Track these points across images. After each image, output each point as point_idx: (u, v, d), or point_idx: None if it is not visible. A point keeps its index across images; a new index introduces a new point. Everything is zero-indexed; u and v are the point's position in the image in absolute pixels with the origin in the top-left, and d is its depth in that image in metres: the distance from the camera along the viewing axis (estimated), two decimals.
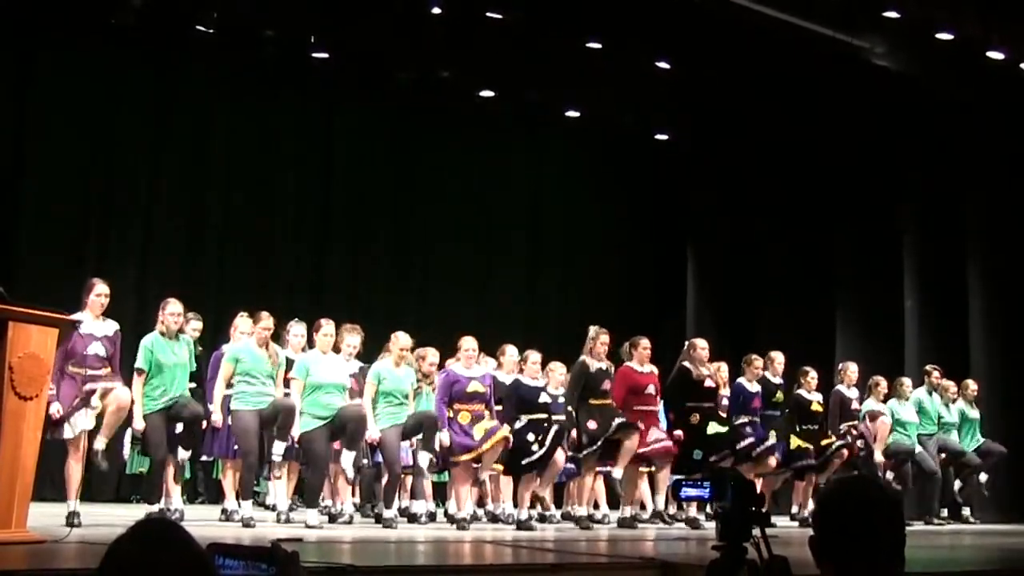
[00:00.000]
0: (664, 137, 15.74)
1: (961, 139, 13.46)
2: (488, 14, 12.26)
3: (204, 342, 9.44)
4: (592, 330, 9.71)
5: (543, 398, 9.50)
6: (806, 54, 12.68)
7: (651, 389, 9.82)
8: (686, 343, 10.61)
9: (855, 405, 11.51)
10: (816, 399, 11.19)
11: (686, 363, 10.18)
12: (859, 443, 11.35)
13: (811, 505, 10.70)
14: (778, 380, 11.01)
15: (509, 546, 6.97)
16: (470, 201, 15.07)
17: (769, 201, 15.16)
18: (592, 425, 9.34)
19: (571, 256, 15.82)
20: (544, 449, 9.27)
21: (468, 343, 9.27)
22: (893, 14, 11.49)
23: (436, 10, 11.62)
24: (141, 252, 12.90)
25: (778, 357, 11.07)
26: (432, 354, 10.07)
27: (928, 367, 12.47)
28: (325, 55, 13.22)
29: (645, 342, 10.01)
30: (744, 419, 10.62)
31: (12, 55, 12.16)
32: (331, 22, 12.78)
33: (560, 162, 15.82)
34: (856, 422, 11.46)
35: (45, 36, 12.24)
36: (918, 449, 11.87)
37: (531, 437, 9.28)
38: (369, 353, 9.80)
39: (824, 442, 11.03)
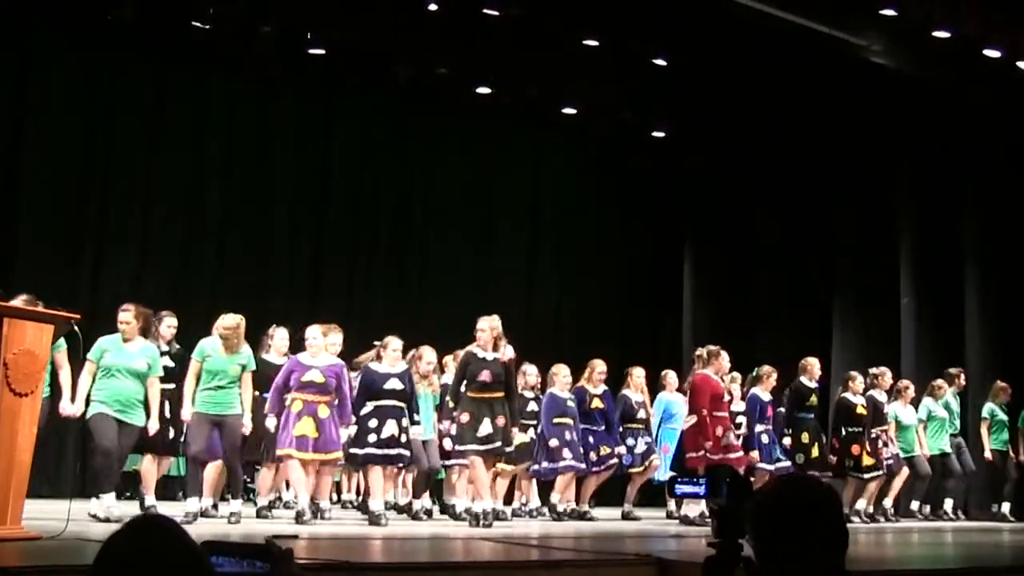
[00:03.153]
0: (661, 134, 15.72)
1: (958, 137, 13.45)
2: (485, 10, 12.24)
3: (194, 342, 9.36)
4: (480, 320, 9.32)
5: (391, 384, 9.09)
6: (803, 51, 12.67)
7: (726, 397, 10.43)
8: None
9: (886, 409, 11.89)
10: (860, 402, 11.59)
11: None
12: (889, 450, 11.76)
13: (860, 504, 11.46)
14: (813, 384, 11.40)
15: (505, 543, 6.97)
16: (468, 197, 15.07)
17: (766, 199, 15.14)
18: (464, 417, 8.92)
19: (569, 253, 15.82)
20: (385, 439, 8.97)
21: (310, 331, 8.93)
22: (890, 12, 11.48)
23: (432, 6, 11.58)
24: (139, 251, 12.88)
25: (815, 363, 11.48)
26: (428, 353, 10.05)
27: (953, 370, 12.69)
28: (322, 51, 13.20)
29: (726, 356, 10.52)
30: (760, 428, 11.13)
31: (9, 52, 12.15)
32: (328, 17, 12.76)
33: (558, 158, 15.81)
34: (886, 427, 11.82)
35: (42, 32, 12.23)
36: (948, 450, 12.36)
37: (373, 423, 8.96)
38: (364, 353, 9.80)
39: (867, 461, 11.43)
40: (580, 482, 10.97)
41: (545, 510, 10.74)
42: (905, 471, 12.00)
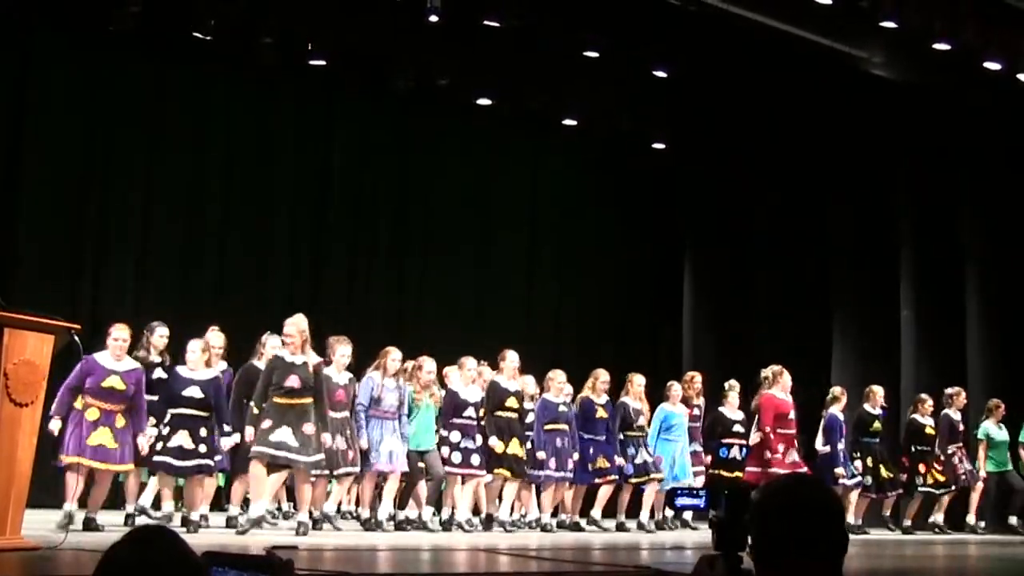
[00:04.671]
0: (661, 145, 15.72)
1: (957, 140, 13.46)
2: (485, 22, 12.25)
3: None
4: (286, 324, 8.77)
5: (190, 391, 8.55)
6: (803, 63, 12.69)
7: (792, 415, 11.04)
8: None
9: (961, 428, 12.34)
10: (929, 423, 12.19)
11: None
12: (964, 466, 12.21)
13: (937, 518, 12.23)
14: (877, 411, 11.95)
15: (504, 554, 6.97)
16: (467, 200, 15.06)
17: (765, 202, 15.14)
18: (266, 424, 8.39)
19: (568, 256, 15.78)
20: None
21: (116, 331, 8.36)
22: (891, 24, 11.50)
23: (433, 18, 11.58)
24: (139, 252, 12.85)
25: (879, 391, 12.03)
26: (429, 363, 10.02)
27: None
28: (323, 62, 13.20)
29: (787, 374, 11.10)
30: (840, 446, 11.64)
31: (9, 52, 12.13)
32: (328, 29, 12.77)
33: (557, 161, 15.77)
34: (961, 444, 12.29)
35: (42, 33, 12.19)
36: None
37: (166, 431, 8.45)
38: (365, 360, 9.80)
39: (936, 477, 12.02)
40: (591, 493, 10.97)
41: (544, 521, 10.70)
42: (980, 486, 12.36)
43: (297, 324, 8.56)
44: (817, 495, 2.49)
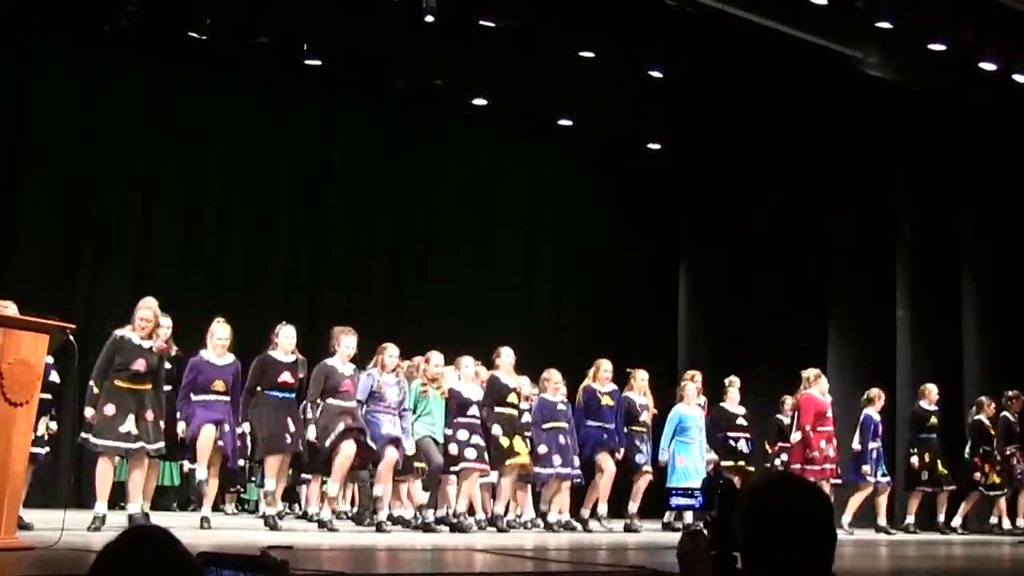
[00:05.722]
0: (657, 146, 15.71)
1: (955, 141, 13.45)
2: (484, 22, 12.24)
3: (193, 343, 9.37)
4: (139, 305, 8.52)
5: (53, 376, 8.15)
6: (801, 64, 12.69)
7: (830, 413, 11.50)
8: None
9: (1018, 429, 12.62)
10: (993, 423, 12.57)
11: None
12: (1020, 466, 12.47)
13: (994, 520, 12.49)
14: (932, 408, 12.21)
15: (500, 554, 6.96)
16: (467, 200, 15.07)
17: (764, 202, 15.13)
18: (110, 410, 8.10)
19: (568, 256, 15.81)
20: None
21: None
22: (886, 24, 11.50)
23: (429, 18, 11.56)
24: (139, 252, 12.85)
25: (933, 388, 12.34)
26: (437, 356, 10.00)
27: None
28: (319, 61, 13.18)
29: (824, 377, 11.62)
30: (873, 445, 11.86)
31: (9, 52, 12.14)
32: (327, 29, 12.76)
33: (557, 161, 15.78)
34: (1018, 445, 12.53)
35: (42, 33, 12.20)
36: None
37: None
38: (364, 359, 9.79)
39: (993, 479, 12.37)
40: (583, 490, 10.90)
41: (540, 521, 10.67)
42: None
43: (153, 308, 8.33)
44: (804, 493, 2.49)
